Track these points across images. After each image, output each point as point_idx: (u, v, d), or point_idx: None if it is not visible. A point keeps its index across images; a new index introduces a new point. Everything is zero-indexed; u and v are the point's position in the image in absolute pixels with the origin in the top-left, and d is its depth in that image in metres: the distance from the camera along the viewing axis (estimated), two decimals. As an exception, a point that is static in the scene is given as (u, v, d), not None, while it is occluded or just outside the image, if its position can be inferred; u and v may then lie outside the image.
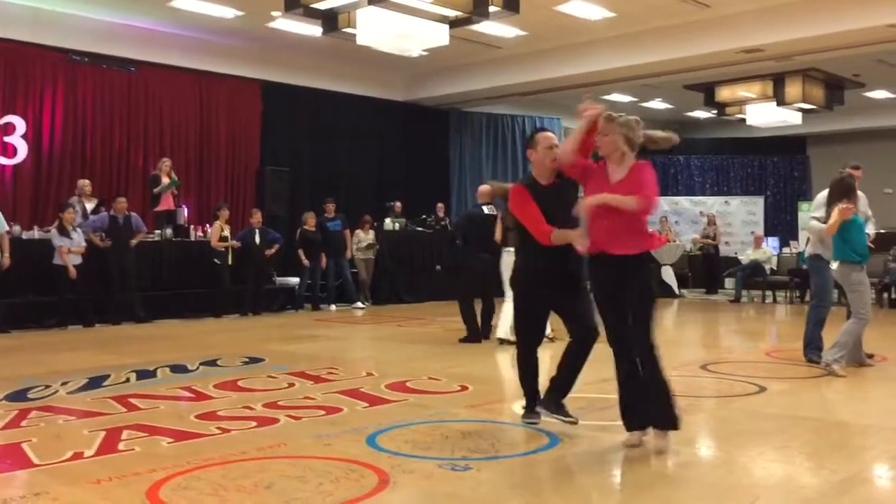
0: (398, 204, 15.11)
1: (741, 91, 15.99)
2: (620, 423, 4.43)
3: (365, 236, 13.95)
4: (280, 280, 13.12)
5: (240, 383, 6.31)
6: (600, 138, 4.27)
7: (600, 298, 4.38)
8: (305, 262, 12.79)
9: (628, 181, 4.22)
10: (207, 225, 12.45)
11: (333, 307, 13.12)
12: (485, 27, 12.36)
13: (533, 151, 4.66)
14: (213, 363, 7.37)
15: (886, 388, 6.38)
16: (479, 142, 17.98)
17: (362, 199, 15.22)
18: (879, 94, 17.78)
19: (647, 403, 4.22)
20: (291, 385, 6.26)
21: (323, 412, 5.27)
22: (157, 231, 11.89)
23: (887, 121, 19.05)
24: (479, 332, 8.91)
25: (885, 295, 13.48)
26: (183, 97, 13.60)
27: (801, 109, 16.09)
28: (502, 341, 8.36)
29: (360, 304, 13.40)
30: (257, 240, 12.29)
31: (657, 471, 4.17)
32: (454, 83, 15.73)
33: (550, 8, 11.91)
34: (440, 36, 9.49)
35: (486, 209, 8.80)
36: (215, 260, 11.83)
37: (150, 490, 3.61)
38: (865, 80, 16.42)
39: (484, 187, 9.06)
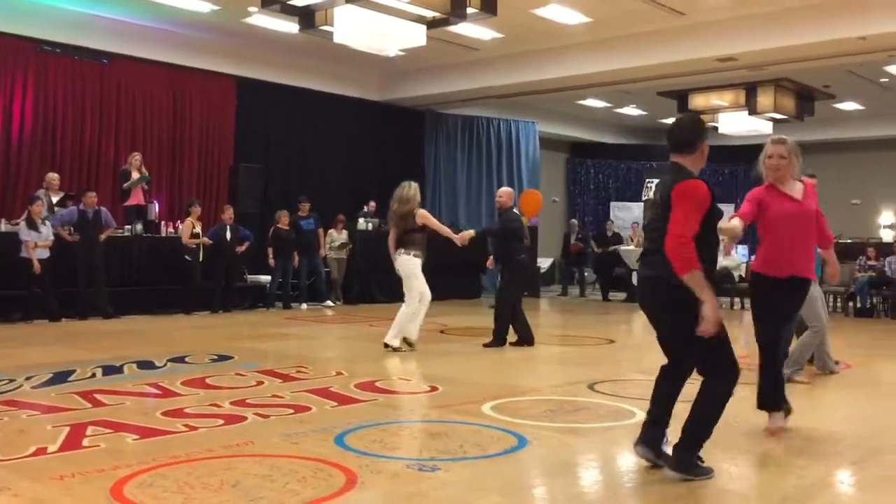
0: (372, 204, 15.08)
1: (714, 99, 16.15)
2: (588, 425, 4.46)
3: (338, 236, 13.91)
4: (251, 278, 13.04)
5: (208, 381, 6.26)
6: (776, 160, 4.60)
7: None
8: (272, 261, 12.71)
9: (810, 198, 4.70)
10: (179, 221, 12.34)
11: (304, 306, 13.06)
12: (462, 29, 12.38)
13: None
14: (181, 360, 7.31)
15: (850, 395, 6.47)
16: (455, 143, 17.98)
17: (336, 198, 15.16)
18: (849, 105, 18.05)
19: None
20: (260, 383, 6.22)
21: (291, 411, 5.24)
22: (127, 226, 11.76)
23: (856, 132, 19.35)
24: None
25: (851, 304, 13.68)
26: (156, 91, 13.46)
27: (772, 119, 16.27)
28: (388, 346, 8.10)
29: (328, 303, 13.36)
30: (228, 236, 12.20)
31: (623, 475, 4.20)
32: (430, 84, 15.72)
33: (528, 11, 11.95)
34: (417, 36, 9.48)
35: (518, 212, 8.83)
36: (186, 256, 11.73)
37: (114, 487, 3.57)
38: (836, 92, 16.66)
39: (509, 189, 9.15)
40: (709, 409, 3.79)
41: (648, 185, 3.51)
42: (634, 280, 15.78)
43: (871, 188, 19.76)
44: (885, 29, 10.97)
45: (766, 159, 4.63)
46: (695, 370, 3.90)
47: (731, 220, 4.59)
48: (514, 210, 8.92)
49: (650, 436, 3.93)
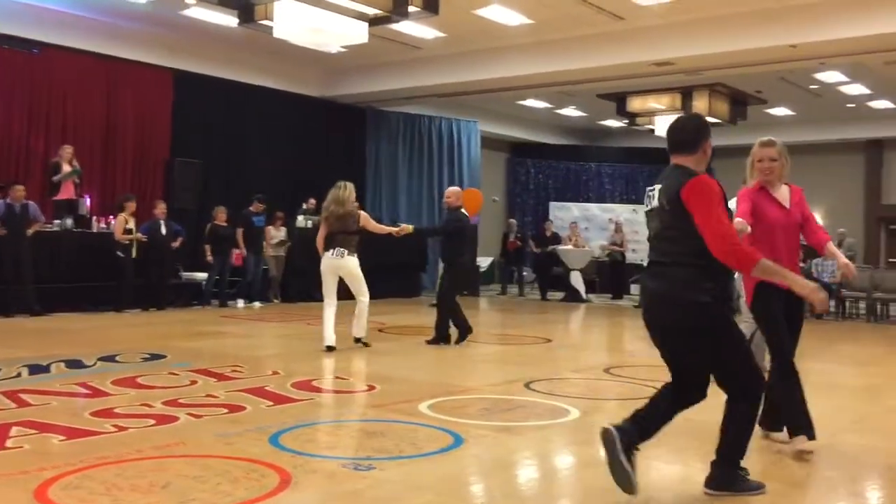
0: (312, 200, 14.94)
1: (651, 102, 16.46)
2: (524, 423, 4.49)
3: (276, 233, 13.75)
4: (187, 275, 12.80)
5: (139, 380, 6.12)
6: (768, 163, 4.38)
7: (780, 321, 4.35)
8: (209, 257, 12.50)
9: (798, 205, 4.46)
10: (111, 216, 12.03)
11: (241, 303, 12.90)
12: (404, 27, 12.37)
13: None
14: (111, 359, 7.13)
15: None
16: (396, 141, 17.94)
17: (275, 194, 14.94)
18: (780, 111, 18.59)
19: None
20: (194, 382, 6.11)
21: (225, 410, 5.16)
22: (57, 221, 11.42)
23: (787, 137, 19.56)
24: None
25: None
26: (89, 83, 13.10)
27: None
28: (360, 341, 8.28)
29: (252, 303, 13.13)
30: (163, 231, 11.95)
31: (557, 471, 4.24)
32: (372, 81, 15.66)
33: (469, 11, 11.99)
34: (359, 33, 9.43)
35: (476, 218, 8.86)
36: (118, 253, 11.44)
37: (38, 489, 3.47)
38: (768, 98, 17.14)
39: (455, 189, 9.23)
40: (740, 432, 3.58)
41: (650, 193, 3.25)
42: (572, 280, 16.02)
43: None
44: (815, 38, 11.34)
45: (757, 163, 4.42)
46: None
47: (734, 221, 4.25)
48: (462, 210, 8.94)
49: (628, 430, 3.49)
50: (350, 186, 8.28)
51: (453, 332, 8.74)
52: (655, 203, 3.53)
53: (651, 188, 3.60)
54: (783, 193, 4.45)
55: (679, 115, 3.85)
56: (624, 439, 3.43)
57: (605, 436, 3.46)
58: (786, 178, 4.47)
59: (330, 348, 7.98)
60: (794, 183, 4.52)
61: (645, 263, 3.71)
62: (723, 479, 3.60)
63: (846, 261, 4.51)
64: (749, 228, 4.23)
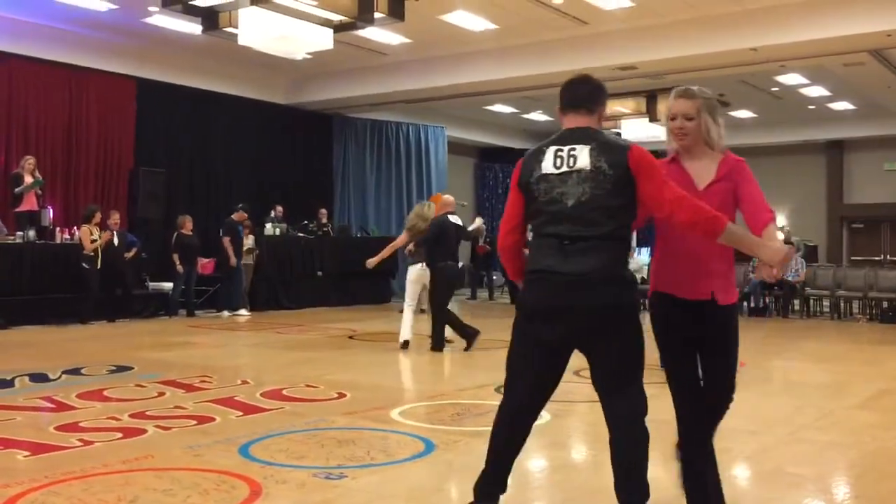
0: (279, 208, 14.87)
1: (616, 106, 16.57)
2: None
3: (244, 241, 13.65)
4: (154, 285, 12.65)
5: (105, 393, 6.04)
6: (681, 121, 3.12)
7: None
8: (180, 267, 12.37)
9: (729, 179, 3.12)
10: (74, 227, 11.85)
11: (226, 313, 12.86)
12: (370, 33, 12.34)
13: None
14: (76, 371, 7.03)
15: (743, 392, 6.72)
16: (363, 148, 17.91)
17: (242, 202, 14.88)
18: (743, 113, 18.84)
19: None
20: (161, 394, 6.04)
21: (194, 422, 5.12)
22: (19, 233, 11.23)
23: (749, 139, 20.22)
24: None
25: (745, 304, 14.23)
26: (51, 92, 12.90)
27: (671, 126, 16.82)
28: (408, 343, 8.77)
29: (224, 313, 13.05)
30: (115, 242, 11.77)
31: (527, 475, 4.26)
32: (338, 88, 15.62)
33: (435, 17, 12.01)
34: (324, 40, 9.39)
35: (452, 218, 8.94)
36: (83, 264, 11.28)
37: (1, 507, 3.41)
38: (730, 101, 17.35)
39: (449, 197, 9.62)
40: (644, 456, 3.06)
41: (563, 153, 2.45)
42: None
43: (763, 192, 20.67)
44: (775, 41, 11.51)
45: (669, 121, 3.16)
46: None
47: None
48: (448, 216, 8.98)
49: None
50: (433, 206, 9.20)
51: (458, 339, 8.90)
52: (584, 165, 2.89)
53: (559, 147, 2.96)
54: (704, 166, 3.12)
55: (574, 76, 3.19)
56: None
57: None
58: (720, 146, 3.17)
59: (406, 344, 8.68)
60: (759, 184, 3.22)
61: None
62: None
63: (780, 246, 2.95)
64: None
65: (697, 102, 3.14)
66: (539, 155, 3.02)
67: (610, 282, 2.88)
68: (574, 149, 2.94)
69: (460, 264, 9.18)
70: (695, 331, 3.10)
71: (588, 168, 2.89)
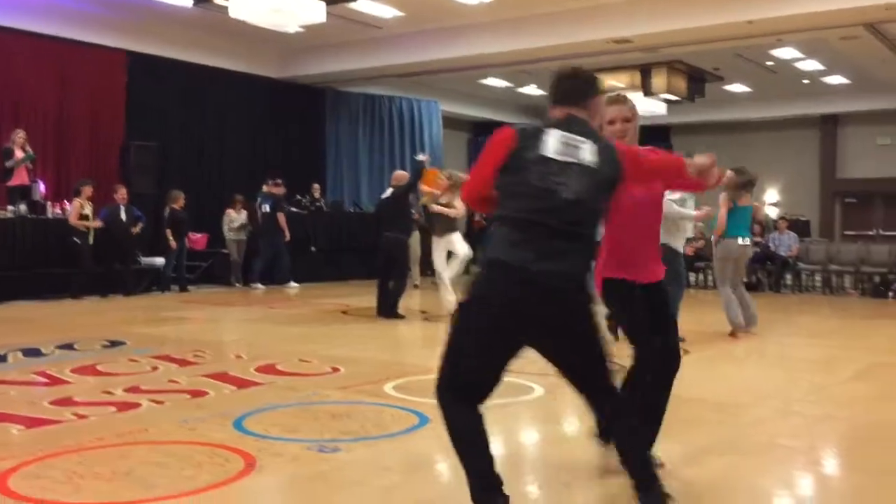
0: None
1: (611, 80, 16.50)
2: (489, 401, 4.48)
3: (237, 216, 13.60)
4: (146, 260, 12.61)
5: (99, 367, 6.04)
6: (621, 125, 3.42)
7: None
8: (173, 242, 12.32)
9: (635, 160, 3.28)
10: (66, 202, 11.79)
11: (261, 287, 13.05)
12: (363, 6, 12.25)
13: None
14: (69, 346, 7.02)
15: (736, 366, 6.77)
16: (356, 122, 17.80)
17: (234, 177, 14.82)
18: (737, 87, 18.78)
19: None
20: (155, 369, 6.04)
21: (188, 396, 5.12)
22: (10, 207, 11.16)
23: (744, 114, 20.20)
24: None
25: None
26: (41, 66, 12.76)
27: (665, 100, 16.79)
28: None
29: (293, 284, 13.28)
30: (123, 217, 11.75)
31: (522, 448, 4.28)
32: (331, 62, 15.49)
33: (428, -10, 11.91)
34: (317, 12, 9.35)
35: (389, 191, 9.51)
36: (75, 239, 11.23)
37: (-4, 480, 3.41)
38: (725, 74, 17.30)
39: (398, 172, 10.07)
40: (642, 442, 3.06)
41: (574, 143, 2.69)
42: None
43: (756, 167, 20.32)
44: (771, 14, 11.43)
45: (608, 125, 3.39)
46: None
47: None
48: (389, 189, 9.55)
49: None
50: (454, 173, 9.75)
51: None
52: (588, 160, 2.81)
53: (565, 134, 2.84)
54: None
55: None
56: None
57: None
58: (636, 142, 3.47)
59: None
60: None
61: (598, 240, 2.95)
62: None
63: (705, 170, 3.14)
64: None
65: (631, 105, 3.50)
66: (541, 134, 2.84)
67: (582, 289, 2.83)
68: (580, 140, 2.83)
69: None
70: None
71: (591, 165, 2.81)
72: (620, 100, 3.49)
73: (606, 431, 3.28)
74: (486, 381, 2.91)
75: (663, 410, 3.60)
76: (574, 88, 2.99)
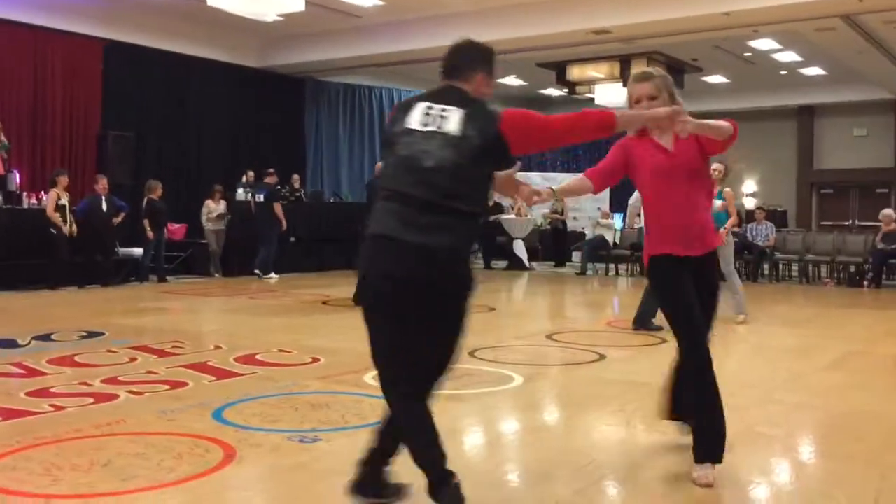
0: (251, 174, 14.72)
1: (590, 71, 16.56)
2: (469, 391, 4.51)
3: (215, 206, 13.52)
4: (123, 251, 12.51)
5: (76, 358, 5.99)
6: (647, 103, 3.32)
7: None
8: (150, 233, 12.21)
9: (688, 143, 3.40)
10: (42, 192, 11.66)
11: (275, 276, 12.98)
12: (342, -5, 12.18)
13: None
14: (46, 337, 6.95)
15: (717, 355, 6.80)
16: (336, 112, 17.74)
17: (213, 167, 14.73)
18: (715, 78, 18.88)
19: None
20: (133, 360, 6.00)
21: (167, 387, 5.09)
22: (-15, 197, 11.05)
23: (722, 105, 20.25)
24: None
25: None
26: (15, 54, 12.61)
27: (645, 91, 16.84)
28: None
29: (272, 275, 13.10)
30: (104, 208, 11.63)
31: (503, 436, 4.30)
32: (311, 51, 15.40)
33: (408, -21, 11.87)
34: (295, 1, 9.27)
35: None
36: (51, 230, 11.11)
37: (-28, 473, 3.38)
38: (703, 66, 17.39)
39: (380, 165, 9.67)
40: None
41: (432, 111, 2.63)
42: (515, 248, 16.12)
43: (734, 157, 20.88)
44: (747, 5, 11.51)
45: (634, 105, 3.36)
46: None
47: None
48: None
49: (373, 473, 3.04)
50: None
51: None
52: (452, 130, 2.70)
53: (431, 104, 2.77)
54: (669, 136, 3.41)
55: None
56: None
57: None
58: None
59: None
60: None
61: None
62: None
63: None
64: (591, 184, 3.53)
65: (657, 82, 3.35)
66: (409, 108, 2.80)
67: (458, 261, 2.73)
68: (446, 109, 2.75)
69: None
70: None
71: (456, 134, 2.70)
72: (645, 76, 3.37)
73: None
74: (409, 370, 2.84)
75: (705, 404, 3.57)
76: (458, 61, 2.89)
